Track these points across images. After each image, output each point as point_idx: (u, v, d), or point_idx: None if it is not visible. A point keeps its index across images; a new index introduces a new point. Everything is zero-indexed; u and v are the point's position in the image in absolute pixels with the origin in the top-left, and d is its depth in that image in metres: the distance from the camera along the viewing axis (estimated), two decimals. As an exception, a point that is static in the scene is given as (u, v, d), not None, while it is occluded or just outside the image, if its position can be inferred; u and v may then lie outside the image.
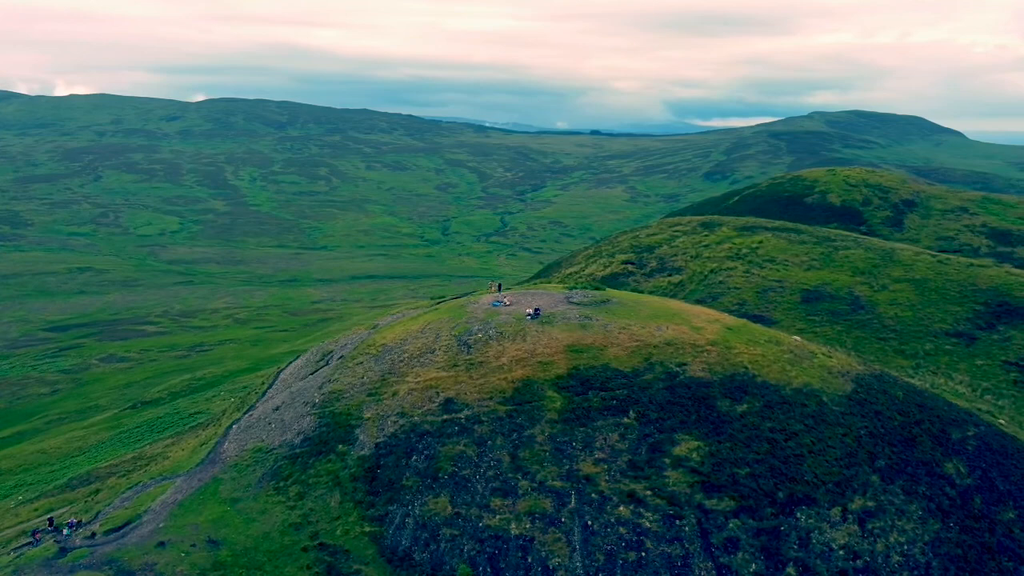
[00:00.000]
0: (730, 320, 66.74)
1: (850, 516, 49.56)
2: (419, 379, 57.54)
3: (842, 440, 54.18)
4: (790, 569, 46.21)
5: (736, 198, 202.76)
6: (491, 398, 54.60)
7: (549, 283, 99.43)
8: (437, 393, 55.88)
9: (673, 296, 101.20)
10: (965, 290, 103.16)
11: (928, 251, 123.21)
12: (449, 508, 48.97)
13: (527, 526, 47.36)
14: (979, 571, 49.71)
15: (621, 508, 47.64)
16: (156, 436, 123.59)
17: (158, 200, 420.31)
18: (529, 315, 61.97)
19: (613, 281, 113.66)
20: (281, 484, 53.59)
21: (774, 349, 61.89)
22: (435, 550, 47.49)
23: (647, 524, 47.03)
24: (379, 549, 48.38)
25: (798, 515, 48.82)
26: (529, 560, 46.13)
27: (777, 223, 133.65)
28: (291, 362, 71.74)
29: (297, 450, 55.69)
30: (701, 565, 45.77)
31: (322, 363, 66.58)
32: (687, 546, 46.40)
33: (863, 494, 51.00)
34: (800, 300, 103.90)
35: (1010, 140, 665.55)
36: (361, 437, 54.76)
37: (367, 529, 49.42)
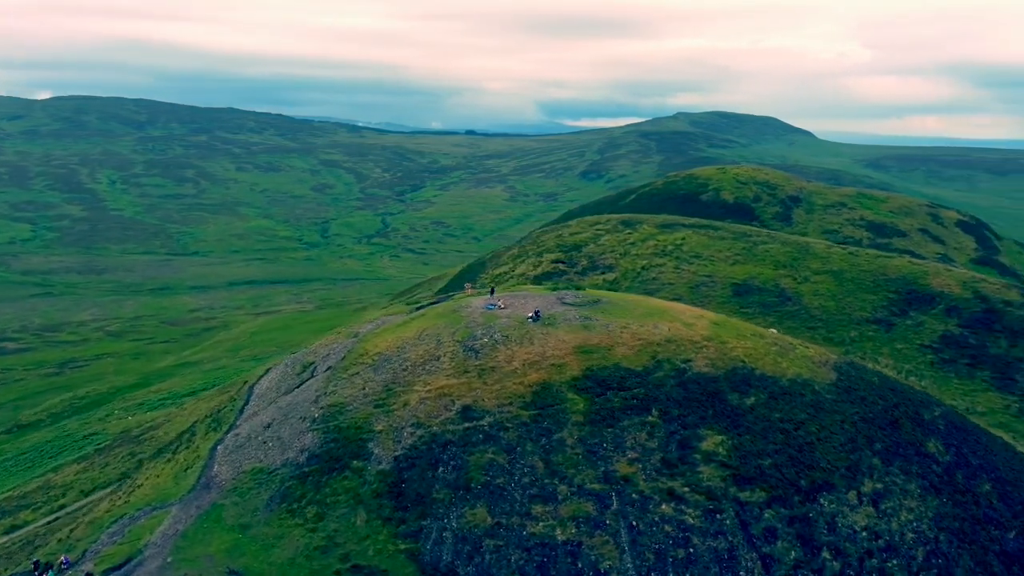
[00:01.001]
0: (712, 315, 68.69)
1: (864, 498, 52.13)
2: (429, 387, 55.78)
3: (841, 426, 56.89)
4: (825, 554, 48.11)
5: (633, 196, 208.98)
6: (511, 403, 53.67)
7: (480, 288, 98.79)
8: (452, 401, 54.35)
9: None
10: (878, 280, 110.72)
11: (837, 244, 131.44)
12: (488, 519, 47.75)
13: (573, 531, 46.90)
14: (976, 542, 53.50)
15: (663, 506, 48.05)
16: (52, 462, 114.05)
17: (4, 206, 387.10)
18: (530, 318, 61.37)
19: (547, 280, 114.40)
20: (295, 506, 50.56)
21: (761, 342, 64.21)
22: (480, 563, 46.20)
23: (690, 520, 47.67)
24: (419, 566, 46.54)
25: (821, 501, 50.89)
26: (580, 565, 45.70)
27: (692, 220, 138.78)
28: (262, 376, 67.74)
29: (305, 469, 52.70)
30: (746, 556, 46.87)
31: (305, 375, 63.31)
32: (731, 539, 47.40)
33: (870, 477, 53.78)
34: (732, 294, 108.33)
35: (853, 140, 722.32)
36: (376, 451, 52.48)
37: (402, 547, 47.42)
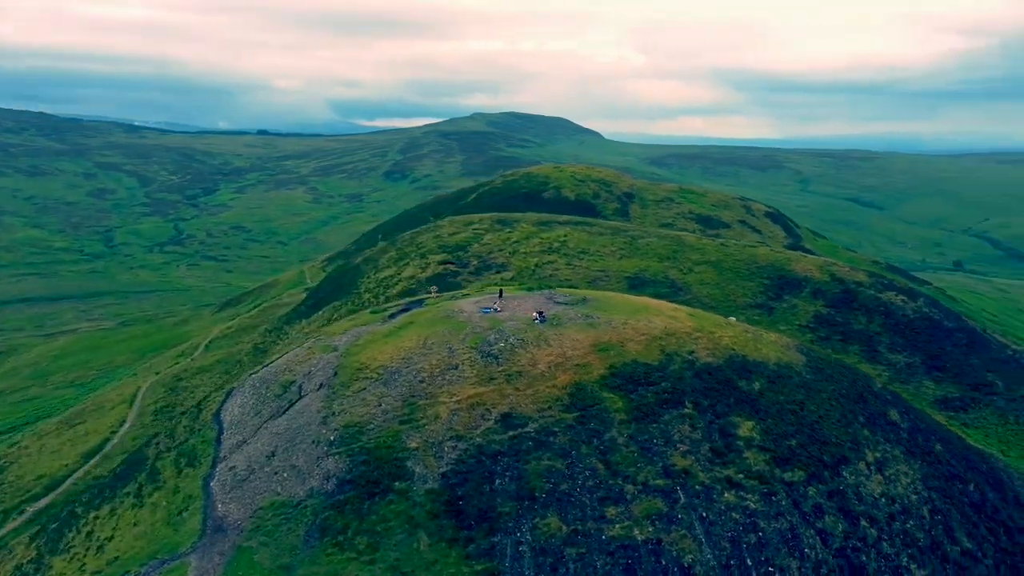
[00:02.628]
0: (684, 308, 70.79)
1: (872, 467, 56.29)
2: (457, 398, 52.77)
3: (830, 403, 60.98)
4: (864, 522, 51.41)
5: (474, 195, 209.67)
6: (550, 408, 52.13)
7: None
8: (488, 410, 51.81)
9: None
10: (751, 268, 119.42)
11: (705, 236, 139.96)
12: (563, 527, 46.13)
13: (650, 529, 46.52)
14: (952, 496, 59.60)
15: (726, 495, 48.95)
16: None
17: None
18: (536, 319, 59.84)
19: (441, 282, 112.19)
20: (340, 538, 45.92)
21: (735, 330, 67.18)
22: (565, 573, 44.54)
23: (752, 505, 48.96)
24: (502, 586, 44.02)
25: (844, 474, 54.28)
26: (664, 562, 45.47)
27: (564, 218, 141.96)
28: (224, 401, 60.50)
29: (339, 497, 47.99)
30: (806, 534, 48.98)
31: (289, 396, 57.39)
32: (789, 519, 49.28)
33: (868, 447, 58.16)
34: (627, 287, 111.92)
35: (635, 139, 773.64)
36: (418, 470, 48.88)
37: (478, 568, 44.58)
